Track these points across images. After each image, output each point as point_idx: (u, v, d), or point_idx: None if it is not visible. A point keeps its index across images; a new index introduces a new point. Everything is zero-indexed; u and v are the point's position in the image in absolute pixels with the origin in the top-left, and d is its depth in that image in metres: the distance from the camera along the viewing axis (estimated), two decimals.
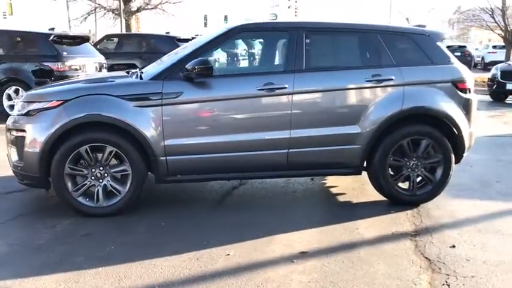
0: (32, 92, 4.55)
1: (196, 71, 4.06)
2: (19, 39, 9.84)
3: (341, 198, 4.78)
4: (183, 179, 4.32)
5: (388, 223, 4.10)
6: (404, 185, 4.55)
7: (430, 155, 4.55)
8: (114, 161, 4.22)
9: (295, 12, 53.86)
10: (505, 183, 5.24)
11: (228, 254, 3.48)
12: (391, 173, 4.56)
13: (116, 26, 34.62)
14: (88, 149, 4.10)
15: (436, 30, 4.71)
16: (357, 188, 5.02)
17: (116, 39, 16.17)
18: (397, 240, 3.74)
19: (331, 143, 4.34)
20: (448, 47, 30.82)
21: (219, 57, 4.56)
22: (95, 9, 35.64)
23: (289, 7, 51.53)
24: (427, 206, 4.52)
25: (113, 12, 34.09)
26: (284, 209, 4.43)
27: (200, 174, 4.34)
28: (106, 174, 4.19)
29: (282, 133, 4.26)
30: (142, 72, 4.51)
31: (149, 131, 4.11)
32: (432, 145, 4.45)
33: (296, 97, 4.25)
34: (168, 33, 16.34)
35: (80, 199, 4.18)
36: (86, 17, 35.76)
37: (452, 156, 4.49)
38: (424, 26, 4.90)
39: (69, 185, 4.14)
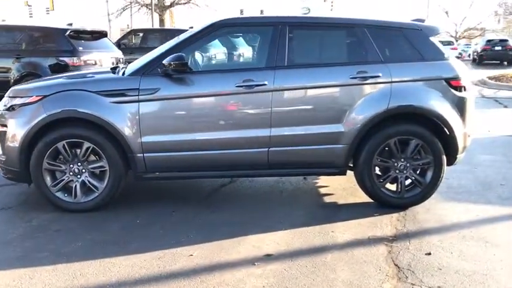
0: (16, 87, 4.60)
1: (172, 67, 3.99)
2: (37, 34, 10.05)
3: (328, 199, 4.63)
4: (162, 176, 4.27)
5: (367, 226, 3.93)
6: (393, 187, 4.36)
7: (419, 156, 4.34)
8: (93, 157, 4.23)
9: (331, 5, 53.22)
10: (509, 187, 4.94)
11: (191, 255, 3.41)
12: (379, 173, 4.39)
13: (150, 21, 35.14)
14: (65, 145, 4.11)
15: (431, 24, 4.46)
16: (348, 188, 4.86)
17: (141, 34, 16.36)
18: (370, 245, 3.58)
19: (313, 142, 4.20)
20: (489, 41, 29.88)
21: (200, 52, 4.47)
22: (130, 4, 36.32)
23: (324, 0, 50.96)
24: (416, 209, 4.31)
25: (147, 7, 34.60)
26: (266, 209, 4.32)
27: (179, 172, 4.28)
28: (84, 170, 4.20)
29: (262, 131, 4.15)
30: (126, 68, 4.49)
31: (126, 128, 4.08)
32: (422, 146, 4.24)
33: (276, 94, 4.12)
34: (191, 27, 16.38)
35: (59, 194, 4.20)
36: (121, 12, 36.49)
37: (444, 157, 4.27)
38: (423, 21, 4.66)
39: (48, 180, 4.18)
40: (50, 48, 9.81)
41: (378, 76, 4.15)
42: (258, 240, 3.67)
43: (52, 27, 10.24)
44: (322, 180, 5.13)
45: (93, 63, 9.82)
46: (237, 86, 4.09)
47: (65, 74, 5.08)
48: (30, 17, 45.65)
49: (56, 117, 4.05)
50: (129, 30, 17.49)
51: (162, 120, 4.14)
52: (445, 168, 4.31)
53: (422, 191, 4.32)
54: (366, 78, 4.15)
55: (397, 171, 4.29)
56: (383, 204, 4.34)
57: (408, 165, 4.29)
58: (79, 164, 4.18)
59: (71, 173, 4.19)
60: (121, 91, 4.09)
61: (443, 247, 3.54)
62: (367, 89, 4.17)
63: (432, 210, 4.29)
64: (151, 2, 30.78)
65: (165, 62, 4.02)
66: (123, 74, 4.27)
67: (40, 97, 4.11)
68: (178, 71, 4.03)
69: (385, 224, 3.99)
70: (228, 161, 4.23)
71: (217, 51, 4.68)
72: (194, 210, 4.30)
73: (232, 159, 4.22)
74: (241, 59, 4.99)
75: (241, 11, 44.26)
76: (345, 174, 4.35)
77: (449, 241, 3.65)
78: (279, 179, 5.13)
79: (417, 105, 4.17)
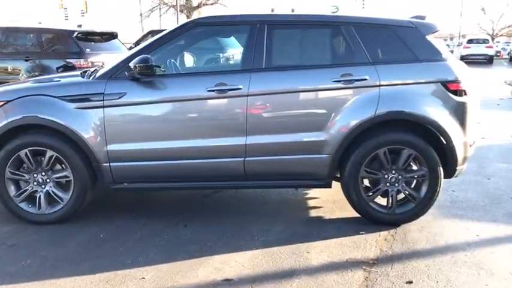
0: None
1: (137, 70, 3.70)
2: (46, 36, 9.99)
3: (314, 213, 4.24)
4: (130, 187, 3.98)
5: (349, 247, 3.53)
6: (385, 201, 3.93)
7: (413, 168, 3.91)
8: (58, 167, 3.98)
9: (363, 4, 52.18)
10: None
11: (143, 278, 3.10)
12: (369, 186, 3.97)
13: (180, 22, 35.23)
14: (28, 153, 3.88)
15: (427, 21, 4.01)
16: (338, 201, 4.44)
17: None
18: (346, 270, 3.18)
19: (293, 152, 3.82)
20: None
21: (172, 54, 4.16)
22: (158, 5, 36.58)
23: None
24: (408, 227, 3.88)
25: (174, 8, 34.72)
26: (243, 224, 3.96)
27: (148, 183, 3.97)
28: (48, 180, 3.95)
29: (237, 139, 3.80)
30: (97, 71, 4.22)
31: (90, 135, 3.81)
32: (415, 156, 3.81)
33: (252, 99, 3.76)
34: None
35: (22, 205, 3.97)
36: (149, 14, 36.81)
37: (440, 169, 3.81)
38: (423, 18, 4.20)
39: (12, 189, 3.95)
40: (58, 50, 9.73)
41: (364, 79, 3.74)
42: (223, 261, 3.32)
43: (60, 28, 10.17)
44: (314, 191, 4.74)
45: (101, 65, 9.69)
46: (208, 91, 3.76)
47: (33, 78, 4.86)
48: (65, 19, 46.64)
49: (17, 123, 3.82)
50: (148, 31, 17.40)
51: (128, 128, 3.85)
52: (442, 181, 3.85)
53: (416, 207, 3.88)
54: (350, 81, 3.74)
55: (388, 184, 3.87)
56: (372, 220, 3.92)
57: (400, 177, 3.86)
58: (43, 173, 3.94)
59: (35, 183, 3.96)
60: (85, 96, 3.82)
61: (429, 274, 3.11)
62: (352, 93, 3.76)
63: (427, 229, 3.84)
64: (177, 3, 30.84)
65: (131, 64, 3.72)
66: (91, 77, 4.00)
67: (3, 102, 3.88)
68: (144, 74, 3.72)
69: (370, 244, 3.58)
70: (200, 172, 3.91)
71: (191, 52, 4.36)
72: (167, 223, 3.99)
73: (206, 169, 3.89)
74: (216, 61, 4.64)
75: (272, 10, 44.03)
76: (329, 186, 3.95)
77: (438, 267, 3.21)
78: (268, 189, 4.77)
79: (409, 111, 3.74)
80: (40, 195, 3.95)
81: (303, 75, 3.82)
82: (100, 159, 3.85)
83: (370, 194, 3.91)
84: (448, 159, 3.83)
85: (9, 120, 3.81)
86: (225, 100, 3.79)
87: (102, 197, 4.51)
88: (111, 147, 3.83)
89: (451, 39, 58.12)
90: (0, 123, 3.83)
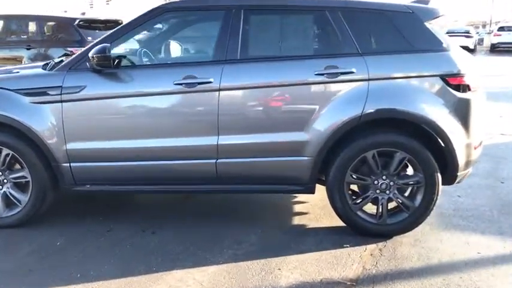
0: None
1: (95, 60, 3.33)
2: (48, 24, 9.75)
3: (297, 220, 3.82)
4: (94, 189, 3.63)
5: (328, 263, 3.11)
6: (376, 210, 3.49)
7: (406, 174, 3.46)
8: (18, 166, 3.66)
9: None
10: None
11: None
12: (357, 192, 3.54)
13: None
14: None
15: (428, 6, 3.51)
16: (328, 206, 3.99)
17: None
18: None
19: (270, 153, 3.41)
20: None
21: (138, 43, 3.77)
22: None
23: None
24: (401, 239, 3.43)
25: None
26: (216, 232, 3.58)
27: (112, 186, 3.62)
28: (5, 181, 3.64)
29: (207, 139, 3.40)
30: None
31: (47, 133, 3.47)
32: (409, 160, 3.35)
33: (224, 94, 3.35)
34: None
35: None
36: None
37: (438, 176, 3.35)
38: (426, 2, 3.69)
39: None
40: (60, 38, 9.48)
41: (351, 72, 3.28)
42: (181, 277, 2.95)
43: (61, 16, 9.93)
44: (303, 195, 4.31)
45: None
46: (175, 84, 3.37)
47: None
48: (90, 7, 46.85)
49: None
50: None
51: (88, 125, 3.49)
52: (440, 188, 3.38)
53: (410, 217, 3.43)
54: (335, 74, 3.29)
55: (378, 191, 3.42)
56: (359, 231, 3.48)
57: (392, 184, 3.41)
58: (0, 173, 3.63)
59: None
60: (41, 89, 3.48)
61: None
62: (337, 88, 3.32)
63: (421, 243, 3.39)
64: None
65: (89, 54, 3.36)
66: (52, 69, 3.65)
67: None
68: (102, 65, 3.35)
69: (353, 260, 3.15)
70: (169, 174, 3.53)
71: (159, 41, 3.97)
72: (134, 229, 3.64)
73: (174, 172, 3.51)
74: (187, 51, 4.22)
75: None
76: (312, 192, 3.52)
77: None
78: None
79: (401, 109, 3.27)
80: None
81: (282, 68, 3.38)
82: (59, 159, 3.51)
83: (358, 201, 3.47)
84: (447, 164, 3.36)
85: None
86: (194, 95, 3.39)
87: (71, 198, 4.19)
88: (71, 145, 3.49)
89: (484, 26, 56.08)
90: None
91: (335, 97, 3.31)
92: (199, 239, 3.46)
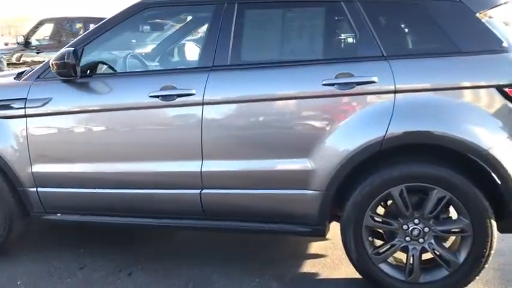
0: None
1: (54, 68, 2.77)
2: (65, 25, 9.65)
3: (308, 266, 3.05)
4: (66, 219, 3.08)
5: None
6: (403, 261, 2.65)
7: (448, 218, 2.59)
8: None
9: None
10: None
11: None
12: (379, 236, 2.72)
13: None
14: None
15: None
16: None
17: None
18: None
19: (265, 185, 2.69)
20: None
21: (114, 46, 3.17)
22: None
23: None
24: None
25: None
26: (203, 279, 2.91)
27: (84, 216, 3.05)
28: None
29: (189, 164, 2.74)
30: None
31: (10, 152, 2.98)
32: (450, 200, 2.48)
33: (209, 109, 2.67)
34: None
35: None
36: None
37: (493, 222, 2.46)
38: None
39: None
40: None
41: (371, 82, 2.48)
42: None
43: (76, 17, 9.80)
44: None
45: None
46: (151, 96, 2.73)
47: None
48: None
49: None
50: None
51: (53, 144, 2.95)
52: (495, 240, 2.49)
53: (452, 276, 2.56)
54: (349, 84, 2.50)
55: (408, 239, 2.58)
56: None
57: (427, 230, 2.55)
58: None
59: None
60: (5, 102, 2.99)
61: None
62: (352, 102, 2.53)
63: None
64: None
65: (50, 61, 2.81)
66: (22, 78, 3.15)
67: None
68: (61, 74, 2.79)
69: None
70: (148, 206, 2.91)
71: (137, 44, 3.35)
72: (110, 268, 3.06)
73: (153, 202, 2.88)
74: (168, 56, 3.55)
75: None
76: (321, 235, 2.75)
77: None
78: None
79: (440, 132, 2.42)
80: None
81: (281, 76, 2.64)
82: (24, 183, 3.01)
83: (381, 251, 2.64)
84: (504, 207, 2.45)
85: None
86: (172, 110, 2.74)
87: (55, 226, 3.69)
88: (37, 168, 2.97)
89: None
90: None
91: (349, 114, 2.51)
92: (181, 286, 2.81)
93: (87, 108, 2.86)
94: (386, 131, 2.44)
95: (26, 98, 2.93)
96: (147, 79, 2.87)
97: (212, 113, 2.67)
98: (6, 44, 12.39)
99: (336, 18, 2.66)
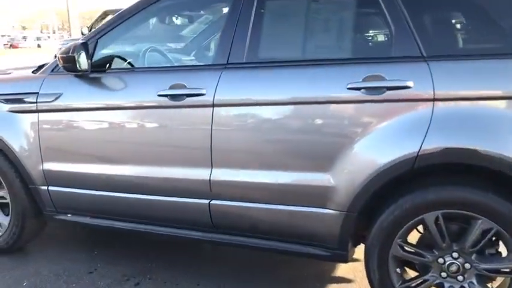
0: None
1: (60, 63, 2.61)
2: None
3: None
4: (76, 221, 2.94)
5: None
6: None
7: (495, 253, 2.14)
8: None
9: None
10: None
11: None
12: (409, 267, 2.32)
13: None
14: None
15: None
16: None
17: None
18: None
19: (279, 199, 2.37)
20: None
21: (129, 40, 2.94)
22: None
23: None
24: None
25: None
26: None
27: (93, 218, 2.88)
28: None
29: (197, 172, 2.48)
30: None
31: (22, 148, 2.87)
32: (498, 233, 2.04)
33: (219, 112, 2.39)
34: None
35: None
36: None
37: None
38: None
39: None
40: None
41: (406, 87, 2.08)
42: None
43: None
44: None
45: None
46: (159, 96, 2.49)
47: None
48: None
49: None
50: None
51: (63, 141, 2.81)
52: None
53: None
54: (378, 89, 2.12)
55: (444, 275, 2.16)
56: None
57: (468, 267, 2.12)
58: None
59: None
60: (18, 96, 2.88)
61: None
62: (381, 110, 2.14)
63: None
64: None
65: (58, 55, 2.65)
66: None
67: None
68: (67, 68, 2.61)
69: None
70: (155, 213, 2.69)
71: (152, 37, 3.08)
72: (118, 275, 2.88)
73: (160, 210, 2.66)
74: (182, 52, 3.23)
75: None
76: (343, 260, 2.39)
77: None
78: None
79: (488, 151, 1.98)
80: None
81: (302, 77, 2.29)
82: (36, 181, 2.89)
83: (410, 286, 2.24)
84: None
85: None
86: (181, 111, 2.48)
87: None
88: (48, 166, 2.84)
89: None
90: None
91: (377, 125, 2.13)
92: None
93: (95, 105, 2.67)
94: (421, 146, 2.04)
95: (38, 93, 2.80)
96: (157, 76, 2.63)
97: (223, 116, 2.39)
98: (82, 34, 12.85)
99: (367, 9, 2.27)
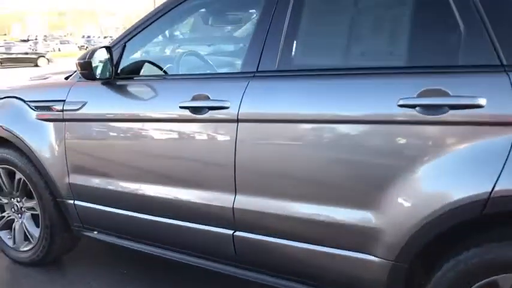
0: None
1: (78, 69, 2.38)
2: None
3: None
4: (102, 239, 2.71)
5: None
6: None
7: None
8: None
9: None
10: None
11: None
12: None
13: None
14: (0, 172, 3.00)
15: None
16: None
17: None
18: None
19: (312, 237, 1.95)
20: None
21: (157, 43, 2.62)
22: None
23: None
24: None
25: None
26: None
27: (119, 238, 2.63)
28: (23, 209, 3.02)
29: (219, 197, 2.13)
30: None
31: (49, 158, 2.69)
32: None
33: (245, 129, 2.01)
34: None
35: (2, 234, 3.14)
36: None
37: None
38: None
39: None
40: None
41: (476, 106, 1.56)
42: None
43: None
44: None
45: None
46: (181, 107, 2.17)
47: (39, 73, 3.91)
48: None
49: None
50: None
51: (86, 154, 2.58)
52: None
53: None
54: (439, 108, 1.62)
55: None
56: None
57: None
58: (18, 199, 3.02)
59: (13, 209, 3.07)
60: (46, 103, 2.70)
61: None
62: (442, 135, 1.64)
63: None
64: None
65: (76, 60, 2.42)
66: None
67: None
68: (84, 75, 2.38)
69: None
70: (174, 238, 2.38)
71: (180, 41, 2.72)
72: None
73: (181, 235, 2.34)
74: (207, 58, 2.76)
75: None
76: None
77: None
78: None
79: None
80: (15, 226, 3.06)
81: (344, 90, 1.85)
82: (63, 194, 2.71)
83: None
84: None
85: None
86: (202, 126, 2.14)
87: None
88: (74, 179, 2.64)
89: None
90: None
91: (435, 154, 1.63)
92: None
93: (116, 116, 2.41)
94: (494, 185, 1.52)
95: (64, 100, 2.61)
96: (181, 85, 2.31)
97: (248, 133, 2.01)
98: None
99: (430, 5, 1.75)
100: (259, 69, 2.03)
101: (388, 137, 1.74)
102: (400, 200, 1.70)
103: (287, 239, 1.99)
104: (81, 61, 2.31)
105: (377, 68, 1.81)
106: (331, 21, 2.02)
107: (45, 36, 66.25)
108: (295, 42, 1.98)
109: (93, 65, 2.31)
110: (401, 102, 1.67)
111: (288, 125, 1.93)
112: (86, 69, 2.30)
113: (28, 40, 61.91)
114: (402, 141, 1.71)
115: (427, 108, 1.63)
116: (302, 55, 2.00)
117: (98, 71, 2.34)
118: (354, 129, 1.80)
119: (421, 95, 1.64)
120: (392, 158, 1.72)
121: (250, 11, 2.60)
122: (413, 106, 1.65)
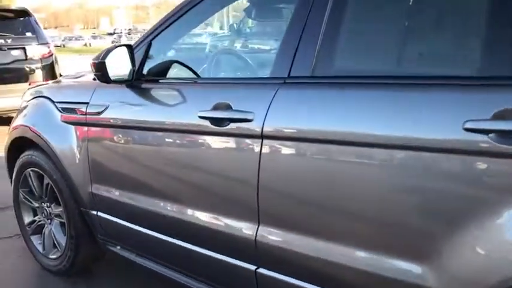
0: None
1: (94, 71, 2.12)
2: None
3: None
4: (123, 255, 2.46)
5: None
6: None
7: None
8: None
9: None
10: None
11: None
12: None
13: None
14: (31, 174, 2.85)
15: None
16: None
17: None
18: None
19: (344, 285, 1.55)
20: None
21: (182, 43, 2.28)
22: None
23: None
24: None
25: None
26: None
27: (139, 257, 2.37)
28: (52, 215, 2.86)
29: (240, 226, 1.79)
30: None
31: (73, 165, 2.49)
32: None
33: (270, 146, 1.65)
34: None
35: (34, 238, 3.01)
36: None
37: None
38: None
39: (26, 216, 3.03)
40: None
41: None
42: None
43: None
44: None
45: None
46: (200, 117, 1.85)
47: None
48: None
49: (19, 134, 2.84)
50: None
51: (107, 162, 2.35)
52: None
53: None
54: None
55: None
56: None
57: None
58: (48, 204, 2.87)
59: (43, 214, 2.93)
60: (71, 104, 2.50)
61: None
62: None
63: None
64: None
65: (91, 60, 2.18)
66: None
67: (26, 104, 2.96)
68: (98, 77, 2.12)
69: None
70: (199, 266, 2.07)
71: (214, 41, 2.34)
72: None
73: (202, 262, 2.03)
74: (238, 60, 2.33)
75: None
76: None
77: None
78: None
79: None
80: (45, 231, 2.91)
81: (396, 104, 1.42)
82: (86, 203, 2.50)
83: None
84: None
85: (14, 126, 2.88)
86: (222, 140, 1.80)
87: None
88: (95, 189, 2.42)
89: None
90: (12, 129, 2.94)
91: (501, 197, 1.19)
92: None
93: (135, 123, 2.14)
94: None
95: (88, 103, 2.39)
96: (203, 91, 1.99)
97: (274, 152, 1.65)
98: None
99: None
100: (290, 75, 1.65)
101: (448, 170, 1.31)
102: (468, 255, 1.27)
103: (317, 285, 1.61)
104: (96, 61, 2.05)
105: (441, 78, 1.37)
106: (380, 18, 1.59)
107: (129, 29, 69.03)
108: (335, 44, 1.59)
109: (109, 65, 2.04)
110: (468, 126, 1.24)
111: (323, 145, 1.54)
112: (100, 71, 2.05)
113: (114, 33, 65.03)
114: (465, 174, 1.28)
115: (504, 135, 1.19)
116: (342, 59, 1.60)
117: (115, 73, 2.08)
118: (407, 157, 1.38)
119: (495, 115, 1.20)
120: (459, 200, 1.29)
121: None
122: (484, 132, 1.21)
